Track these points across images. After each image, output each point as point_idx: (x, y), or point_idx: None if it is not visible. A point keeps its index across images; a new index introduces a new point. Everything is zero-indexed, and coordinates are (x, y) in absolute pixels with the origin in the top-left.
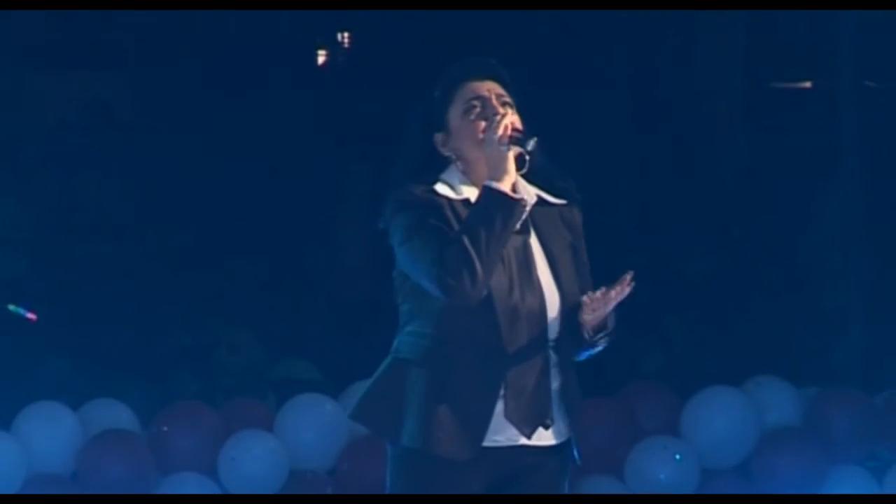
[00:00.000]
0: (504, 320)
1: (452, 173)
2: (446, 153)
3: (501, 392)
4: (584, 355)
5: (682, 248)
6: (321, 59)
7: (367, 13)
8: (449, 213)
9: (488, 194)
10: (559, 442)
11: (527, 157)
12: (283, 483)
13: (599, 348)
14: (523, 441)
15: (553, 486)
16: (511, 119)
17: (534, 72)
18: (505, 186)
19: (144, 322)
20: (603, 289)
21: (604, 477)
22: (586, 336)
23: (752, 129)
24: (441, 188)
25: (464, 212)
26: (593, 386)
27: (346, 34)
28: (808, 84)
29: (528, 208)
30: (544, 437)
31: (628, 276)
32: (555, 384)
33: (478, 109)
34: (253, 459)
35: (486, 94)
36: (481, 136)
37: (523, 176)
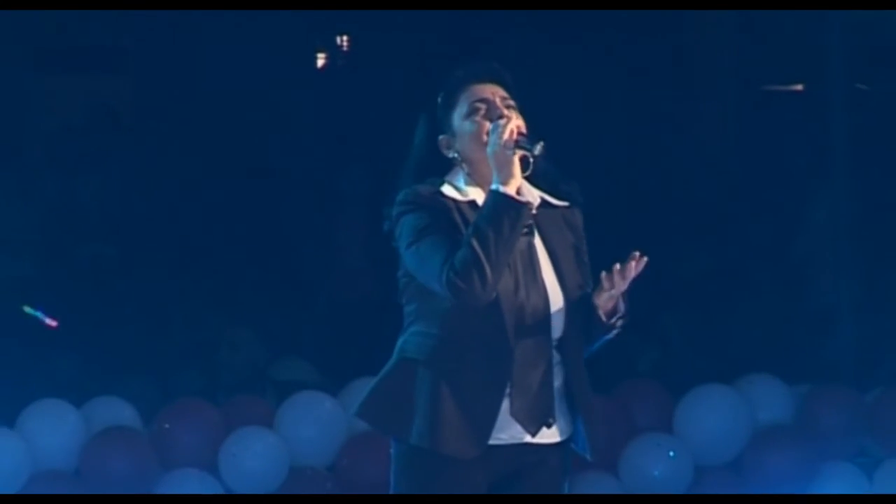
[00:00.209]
0: (510, 320)
1: (457, 175)
2: (451, 155)
3: (507, 390)
4: (596, 346)
5: (676, 248)
6: (321, 62)
7: (366, 16)
8: (455, 215)
9: (495, 198)
10: (561, 439)
11: (531, 160)
12: (283, 479)
13: (615, 332)
14: (527, 439)
15: (555, 483)
16: (516, 122)
17: (530, 73)
18: (511, 190)
19: (146, 321)
20: (617, 266)
21: (599, 473)
22: (603, 319)
23: (745, 130)
24: (447, 190)
25: (470, 213)
26: (590, 382)
27: (346, 37)
28: (799, 87)
29: (534, 211)
30: (547, 435)
31: (637, 254)
32: (557, 382)
33: (482, 111)
34: (253, 456)
35: (489, 96)
36: (485, 138)
37: (527, 178)
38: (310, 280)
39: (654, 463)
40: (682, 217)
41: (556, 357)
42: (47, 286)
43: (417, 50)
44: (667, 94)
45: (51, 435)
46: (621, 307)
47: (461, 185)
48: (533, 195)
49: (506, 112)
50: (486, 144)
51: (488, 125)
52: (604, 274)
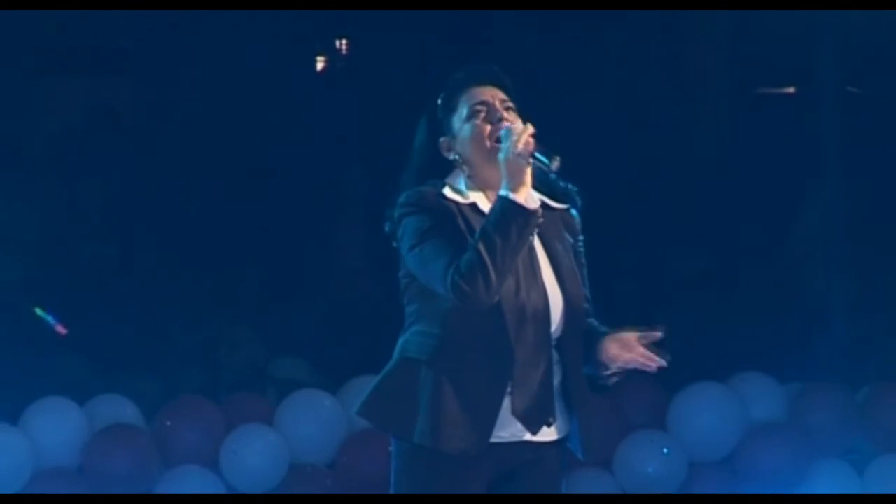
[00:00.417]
0: (511, 321)
1: (458, 177)
2: (451, 157)
3: (508, 389)
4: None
5: (670, 249)
6: (321, 64)
7: (367, 18)
8: (457, 218)
9: (504, 204)
10: (559, 437)
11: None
12: (283, 476)
13: (606, 384)
14: (527, 437)
15: (552, 480)
16: (532, 131)
17: (527, 75)
18: (521, 197)
19: (148, 320)
20: (632, 335)
21: (594, 470)
22: (601, 371)
23: (737, 133)
24: (448, 192)
25: (471, 215)
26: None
27: (347, 38)
28: (791, 89)
29: (541, 216)
30: (546, 434)
31: (659, 334)
32: (556, 381)
33: (482, 114)
34: (254, 453)
35: (489, 99)
36: (487, 142)
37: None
38: (309, 279)
39: (649, 460)
40: (676, 218)
41: (555, 356)
42: (50, 286)
43: (417, 51)
44: (660, 96)
45: (54, 432)
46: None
47: (462, 187)
48: (534, 198)
49: (505, 115)
50: (486, 148)
51: (488, 128)
52: (618, 352)
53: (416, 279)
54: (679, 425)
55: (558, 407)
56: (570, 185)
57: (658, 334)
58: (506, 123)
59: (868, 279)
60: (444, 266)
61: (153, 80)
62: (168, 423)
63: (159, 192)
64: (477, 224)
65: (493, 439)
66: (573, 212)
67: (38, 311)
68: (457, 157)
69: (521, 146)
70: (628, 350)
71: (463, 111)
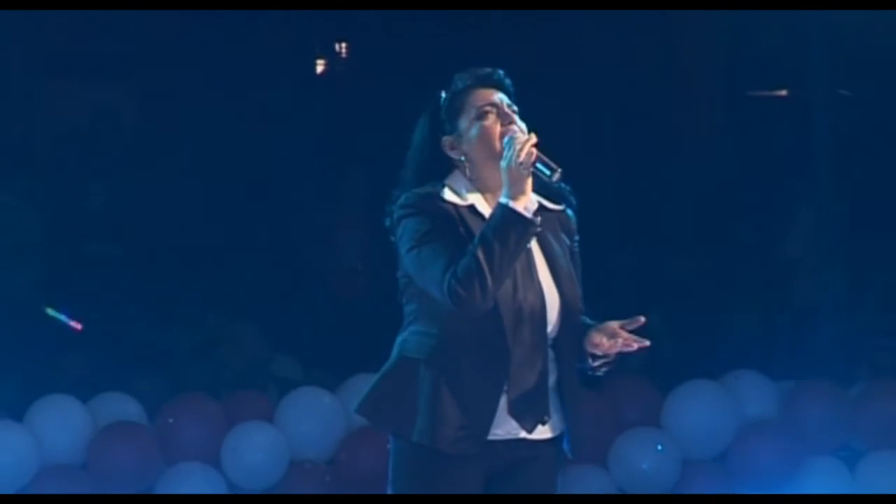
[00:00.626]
0: (508, 321)
1: (458, 178)
2: (455, 156)
3: (504, 388)
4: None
5: (665, 249)
6: (321, 68)
7: (365, 22)
8: (455, 220)
9: (504, 212)
10: (554, 435)
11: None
12: (283, 472)
13: (598, 374)
14: (522, 435)
15: (547, 476)
16: (535, 141)
17: (524, 76)
18: (521, 205)
19: (151, 319)
20: (615, 324)
21: (589, 466)
22: (589, 362)
23: (731, 134)
24: (447, 195)
25: (469, 218)
26: (580, 381)
27: (348, 42)
28: (784, 92)
29: (539, 224)
30: (541, 431)
31: (642, 319)
32: (551, 380)
33: (492, 115)
34: (254, 450)
35: (497, 101)
36: (497, 144)
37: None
38: (310, 279)
39: (643, 456)
40: (671, 219)
41: (551, 355)
42: (54, 286)
43: (417, 53)
44: (655, 98)
45: (58, 429)
46: (612, 355)
47: (461, 189)
48: (531, 200)
49: (514, 119)
50: (494, 150)
51: (498, 129)
52: (597, 335)
53: (415, 280)
54: (673, 423)
55: (553, 405)
56: (564, 186)
57: (641, 319)
58: (513, 128)
59: (859, 279)
60: (441, 270)
61: (156, 83)
62: (170, 421)
63: (162, 192)
64: (475, 226)
65: (490, 437)
66: (569, 212)
67: (50, 310)
68: (461, 156)
69: (523, 156)
70: (612, 337)
71: (471, 112)
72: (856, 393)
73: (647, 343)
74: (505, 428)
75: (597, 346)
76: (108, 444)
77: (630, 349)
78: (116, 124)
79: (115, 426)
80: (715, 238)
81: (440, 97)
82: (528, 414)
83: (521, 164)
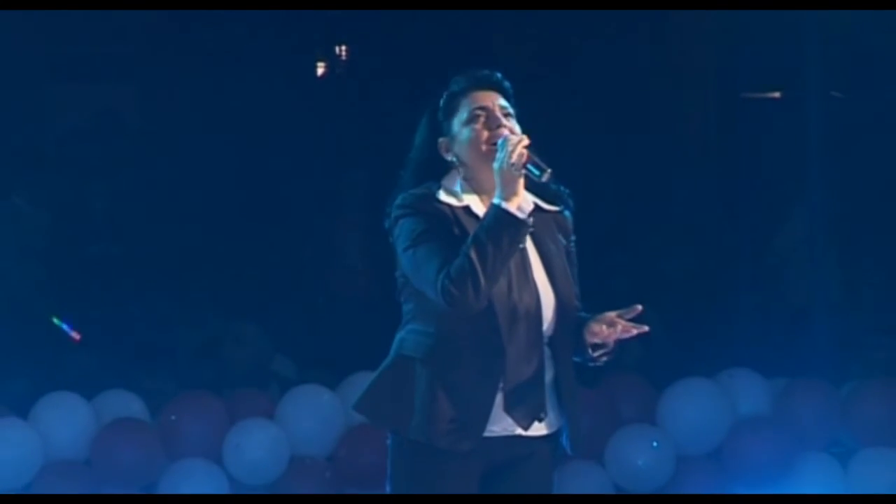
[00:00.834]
0: (503, 320)
1: (453, 179)
2: (449, 158)
3: (500, 385)
4: (579, 359)
5: (659, 249)
6: (321, 70)
7: (365, 25)
8: (451, 221)
9: (497, 213)
10: (551, 432)
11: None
12: (283, 469)
13: (598, 364)
14: (518, 431)
15: (544, 472)
16: (527, 142)
17: (520, 78)
18: (513, 206)
19: (154, 318)
20: (613, 313)
21: (585, 463)
22: (588, 353)
23: (725, 134)
24: (443, 195)
25: (465, 218)
26: (576, 378)
27: (348, 44)
28: (777, 94)
29: (532, 228)
30: (537, 428)
31: (639, 307)
32: (548, 378)
33: (481, 118)
34: (256, 446)
35: (489, 104)
36: (483, 146)
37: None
38: (311, 278)
39: (639, 453)
40: (665, 219)
41: (547, 353)
42: (59, 285)
43: (416, 55)
44: (651, 100)
45: (63, 426)
46: (611, 344)
47: (457, 189)
48: (527, 201)
49: (504, 122)
50: (482, 152)
51: (486, 134)
52: (596, 325)
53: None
54: (668, 420)
55: (550, 402)
56: (561, 188)
57: (638, 308)
58: (503, 131)
59: (852, 279)
60: (436, 270)
61: (157, 85)
62: (173, 418)
63: (165, 193)
64: (470, 227)
65: (486, 433)
66: (566, 213)
67: (55, 319)
68: (454, 158)
69: (514, 157)
70: (611, 325)
71: (463, 114)
72: (848, 391)
73: (646, 328)
74: (501, 425)
75: (596, 334)
76: (111, 441)
77: (629, 335)
78: (119, 125)
79: (118, 423)
80: (709, 238)
81: (441, 98)
82: (523, 411)
83: (512, 165)
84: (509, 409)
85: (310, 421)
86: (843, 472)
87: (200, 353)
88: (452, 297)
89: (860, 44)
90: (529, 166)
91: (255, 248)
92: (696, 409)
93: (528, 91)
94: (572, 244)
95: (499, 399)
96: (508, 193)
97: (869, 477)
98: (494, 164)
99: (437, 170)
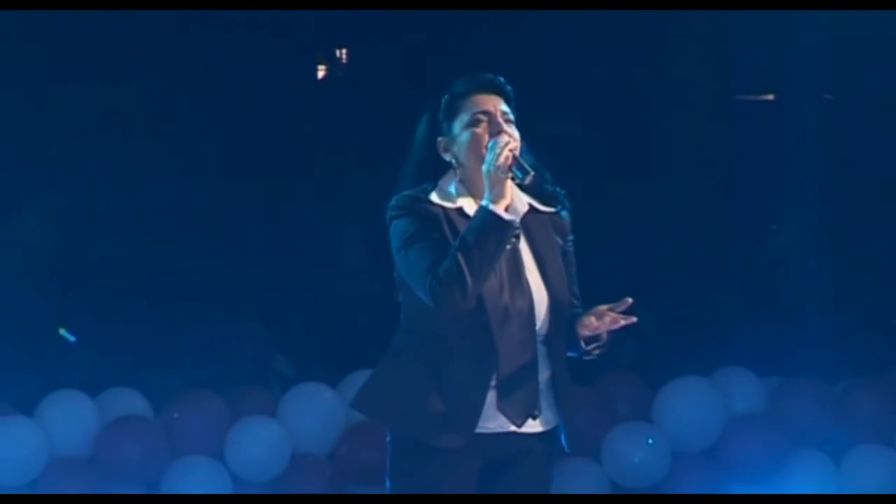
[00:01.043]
0: (494, 320)
1: (450, 180)
2: (447, 158)
3: (493, 383)
4: (575, 354)
5: (655, 249)
6: (323, 72)
7: (366, 26)
8: (443, 222)
9: (484, 215)
10: (547, 429)
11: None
12: (285, 465)
13: (590, 357)
14: (512, 428)
15: (542, 469)
16: (514, 145)
17: (514, 79)
18: (500, 208)
19: (158, 317)
20: (604, 307)
21: (583, 459)
22: (582, 346)
23: (718, 135)
24: (436, 197)
25: (458, 220)
26: (573, 376)
27: (350, 46)
28: (770, 96)
29: (518, 227)
30: (533, 426)
31: (629, 300)
32: (544, 376)
33: (483, 123)
34: (257, 443)
35: (491, 109)
36: (483, 151)
37: (518, 184)
38: (312, 278)
39: (635, 450)
40: (660, 219)
41: (543, 351)
42: (64, 285)
43: (412, 63)
44: (644, 101)
45: (67, 423)
46: (604, 337)
47: (452, 191)
48: (522, 202)
49: (505, 127)
50: (480, 157)
51: (487, 139)
52: (588, 318)
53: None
54: (664, 417)
55: (548, 400)
56: (557, 189)
57: (629, 300)
58: (503, 137)
59: (845, 278)
60: (425, 271)
61: (160, 87)
62: (176, 415)
63: (168, 194)
64: (462, 228)
65: (481, 430)
66: (563, 213)
67: (63, 331)
68: (452, 159)
69: (501, 160)
70: (601, 317)
71: (465, 117)
72: (841, 389)
73: (634, 319)
74: (496, 422)
75: (586, 326)
76: (115, 438)
77: (617, 325)
78: (122, 126)
79: (122, 420)
80: (704, 238)
81: (444, 98)
82: (517, 408)
83: (498, 167)
84: (502, 406)
85: (311, 418)
86: (835, 470)
87: (204, 352)
88: (440, 298)
89: (853, 46)
90: (515, 169)
91: (256, 248)
92: (692, 406)
93: (524, 92)
94: (570, 244)
95: (492, 396)
96: (496, 195)
97: (861, 474)
98: (483, 167)
99: (436, 168)
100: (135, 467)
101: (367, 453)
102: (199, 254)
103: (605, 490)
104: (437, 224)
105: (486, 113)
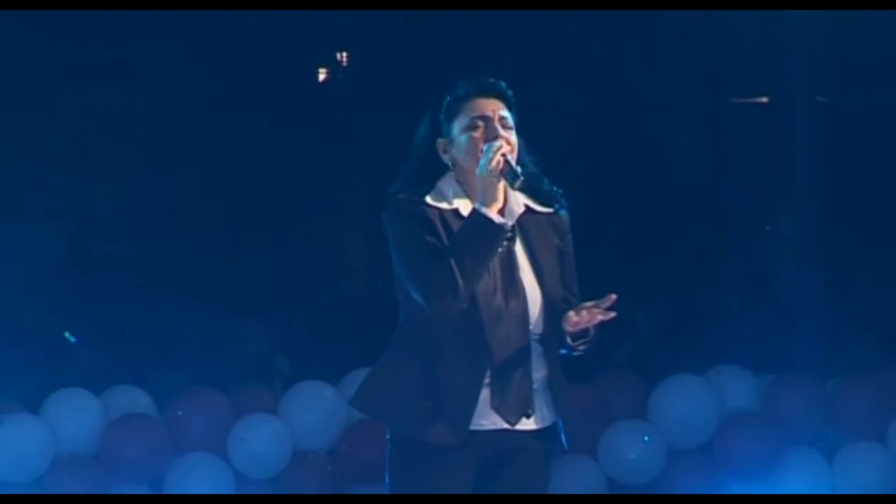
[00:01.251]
0: (487, 319)
1: (448, 181)
2: (446, 160)
3: (486, 382)
4: (565, 351)
5: (650, 248)
6: (324, 74)
7: (367, 28)
8: (438, 224)
9: (476, 218)
10: (542, 427)
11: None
12: (286, 462)
13: (580, 353)
14: (507, 426)
15: (538, 466)
16: (506, 149)
17: (512, 79)
18: (493, 211)
19: (162, 316)
20: (590, 303)
21: (579, 457)
22: (568, 342)
23: (713, 135)
24: (432, 199)
25: (453, 221)
26: (569, 374)
27: (351, 47)
28: (764, 99)
29: (510, 229)
30: (527, 423)
31: (614, 296)
32: (539, 375)
33: (481, 127)
34: (260, 440)
35: (490, 113)
36: (479, 154)
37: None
38: (313, 277)
39: (631, 447)
40: (656, 218)
41: (538, 350)
42: (68, 284)
43: (412, 66)
44: (639, 102)
45: (72, 421)
46: (591, 332)
47: (449, 193)
48: (518, 203)
49: (502, 133)
50: (478, 160)
51: (483, 144)
52: (573, 313)
53: None
54: (659, 415)
55: (544, 399)
56: (554, 189)
57: (613, 296)
58: (497, 142)
59: (837, 277)
60: (418, 272)
61: (163, 89)
62: (180, 413)
63: (171, 195)
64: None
65: (475, 427)
66: (562, 213)
67: (67, 335)
68: (450, 160)
69: (493, 164)
70: (586, 312)
71: (464, 120)
72: (833, 386)
73: (613, 314)
74: (491, 419)
75: (569, 322)
76: (119, 435)
77: (597, 321)
78: (124, 128)
79: (126, 418)
80: (698, 238)
81: (445, 99)
82: (510, 407)
83: (490, 171)
84: (496, 404)
85: (312, 416)
86: (828, 467)
87: (207, 350)
88: (433, 299)
89: (846, 49)
90: (506, 172)
91: (258, 249)
92: (686, 404)
93: (521, 92)
94: (568, 243)
95: (486, 394)
96: (488, 199)
97: (853, 471)
98: (477, 171)
99: (434, 168)
100: (139, 464)
101: (366, 450)
102: (202, 254)
103: (602, 487)
104: (432, 226)
105: (484, 117)
